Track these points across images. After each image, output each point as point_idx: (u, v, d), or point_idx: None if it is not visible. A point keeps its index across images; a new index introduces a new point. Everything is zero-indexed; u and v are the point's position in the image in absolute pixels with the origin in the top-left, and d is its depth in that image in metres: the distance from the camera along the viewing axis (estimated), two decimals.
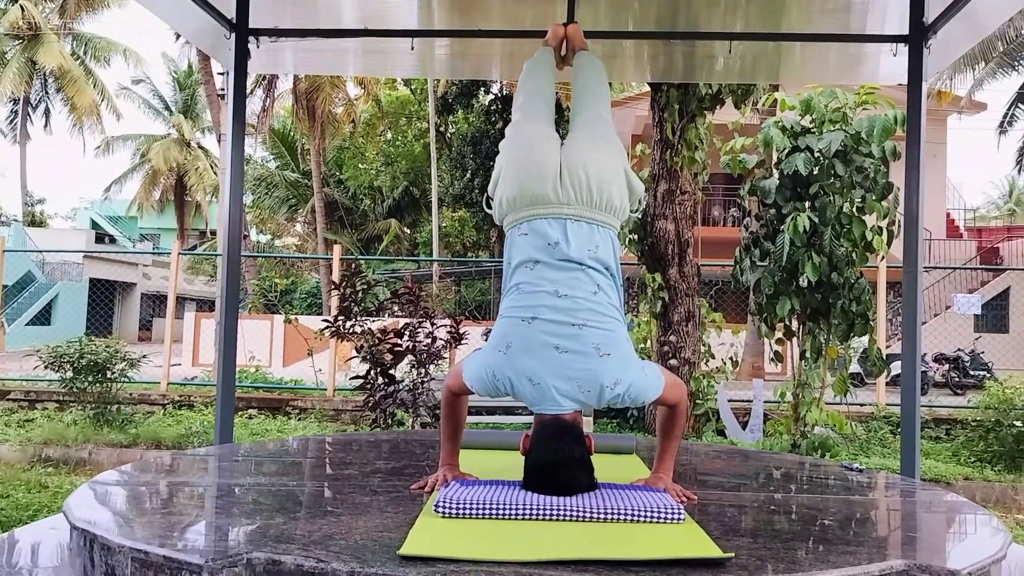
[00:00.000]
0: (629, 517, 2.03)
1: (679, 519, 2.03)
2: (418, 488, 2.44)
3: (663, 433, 2.48)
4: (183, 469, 2.81)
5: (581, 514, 2.03)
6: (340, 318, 6.10)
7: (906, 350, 3.96)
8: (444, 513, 2.05)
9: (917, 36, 4.13)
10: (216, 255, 14.18)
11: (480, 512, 2.04)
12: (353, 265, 6.61)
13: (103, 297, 26.25)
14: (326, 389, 10.41)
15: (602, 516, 2.02)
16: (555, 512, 2.04)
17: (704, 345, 8.24)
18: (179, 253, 11.70)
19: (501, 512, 2.04)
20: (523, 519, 2.03)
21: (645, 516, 2.03)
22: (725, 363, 8.27)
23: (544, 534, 1.91)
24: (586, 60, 2.99)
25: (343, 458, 3.14)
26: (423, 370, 6.01)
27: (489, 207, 2.57)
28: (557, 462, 2.18)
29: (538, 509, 2.05)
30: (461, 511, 2.05)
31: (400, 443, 3.50)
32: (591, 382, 2.20)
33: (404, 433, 4.11)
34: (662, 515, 2.03)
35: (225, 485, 2.53)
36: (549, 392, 2.20)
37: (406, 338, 6.00)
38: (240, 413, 9.31)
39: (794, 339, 6.27)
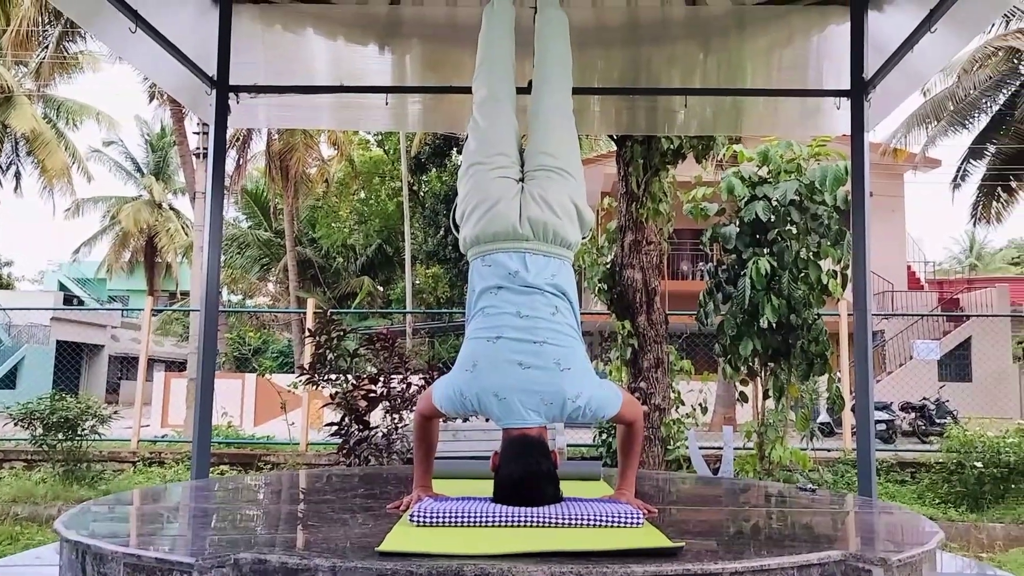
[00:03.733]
0: (591, 523, 2.17)
1: (638, 524, 2.18)
2: (393, 508, 2.56)
3: (622, 451, 2.63)
4: (166, 497, 2.90)
5: (547, 520, 2.17)
6: (315, 366, 6.20)
7: (859, 373, 4.15)
8: (418, 522, 2.18)
9: (858, 90, 4.41)
10: (191, 310, 14.19)
11: (452, 521, 2.18)
12: (328, 314, 6.73)
13: (70, 360, 25.94)
14: (298, 444, 10.41)
15: (566, 522, 2.16)
16: (523, 520, 2.18)
17: (674, 392, 8.40)
18: (152, 310, 11.72)
19: (472, 520, 2.18)
20: (493, 526, 2.17)
21: (606, 521, 2.17)
22: (695, 409, 8.43)
23: (512, 535, 2.05)
24: (552, 19, 3.03)
25: (321, 487, 3.24)
26: (397, 416, 6.10)
27: (457, 231, 2.75)
28: (525, 475, 2.32)
29: (506, 518, 2.18)
30: (434, 520, 2.18)
31: (376, 475, 3.61)
32: (554, 395, 2.37)
33: (380, 467, 4.22)
34: (622, 520, 2.17)
35: (207, 508, 2.63)
36: (515, 406, 2.36)
37: (380, 384, 6.11)
38: (212, 469, 9.28)
39: (757, 380, 6.47)
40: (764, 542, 2.10)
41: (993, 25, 17.08)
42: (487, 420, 2.58)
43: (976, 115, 17.53)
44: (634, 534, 2.07)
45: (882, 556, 1.87)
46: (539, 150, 2.74)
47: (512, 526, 2.16)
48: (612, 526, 2.16)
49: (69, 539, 2.06)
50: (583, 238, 2.74)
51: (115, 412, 9.30)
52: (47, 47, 19.30)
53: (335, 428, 6.15)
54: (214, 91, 4.61)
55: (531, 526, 2.16)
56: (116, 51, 5.65)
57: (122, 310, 36.80)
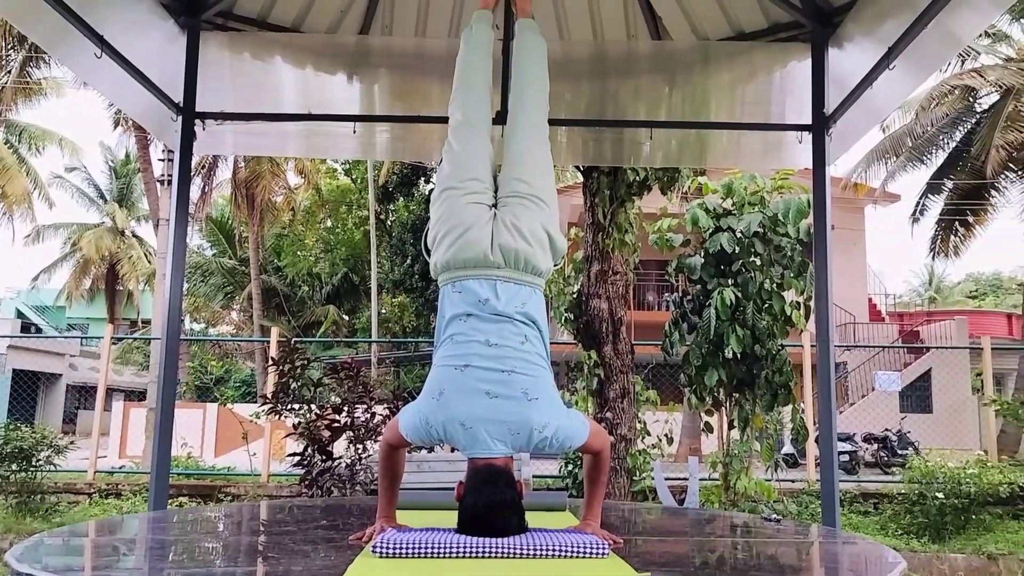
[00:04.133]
0: (557, 553, 2.15)
1: (603, 555, 2.16)
2: (356, 539, 2.51)
3: (589, 481, 2.62)
4: (122, 529, 2.83)
5: (511, 551, 2.14)
6: (278, 395, 6.12)
7: (822, 402, 4.20)
8: (381, 553, 2.14)
9: (819, 125, 4.50)
10: (152, 338, 13.95)
11: (416, 552, 2.15)
12: (292, 342, 6.66)
13: (26, 389, 25.34)
14: (260, 475, 10.23)
15: (531, 552, 2.14)
16: (487, 551, 2.15)
17: (640, 422, 8.42)
18: (112, 338, 11.52)
19: (436, 552, 2.15)
20: (457, 557, 2.14)
21: (572, 552, 2.15)
22: (660, 440, 8.44)
23: (476, 567, 2.02)
24: (529, 42, 3.03)
25: (282, 518, 3.18)
26: (361, 447, 6.03)
27: (428, 255, 2.74)
28: (489, 505, 2.30)
29: (471, 549, 2.16)
30: (397, 551, 2.15)
31: (338, 507, 3.55)
32: (521, 425, 2.35)
33: (342, 498, 4.15)
34: (587, 551, 2.16)
35: (164, 540, 2.57)
36: (481, 436, 2.34)
37: (344, 414, 6.04)
38: (170, 501, 9.08)
39: (723, 410, 6.51)
40: (729, 573, 2.09)
41: (949, 64, 17.59)
42: (452, 451, 2.57)
43: (934, 151, 17.96)
44: (599, 565, 2.06)
45: None
46: (513, 176, 2.74)
47: (476, 557, 2.14)
48: (577, 557, 2.14)
49: (21, 572, 2.00)
50: (555, 265, 2.73)
51: (71, 442, 9.08)
52: (10, 72, 19.06)
53: (297, 459, 6.06)
54: (180, 117, 4.58)
55: (496, 557, 2.14)
56: (81, 76, 5.60)
57: (81, 338, 36.11)
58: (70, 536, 2.73)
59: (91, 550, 2.41)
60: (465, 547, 2.16)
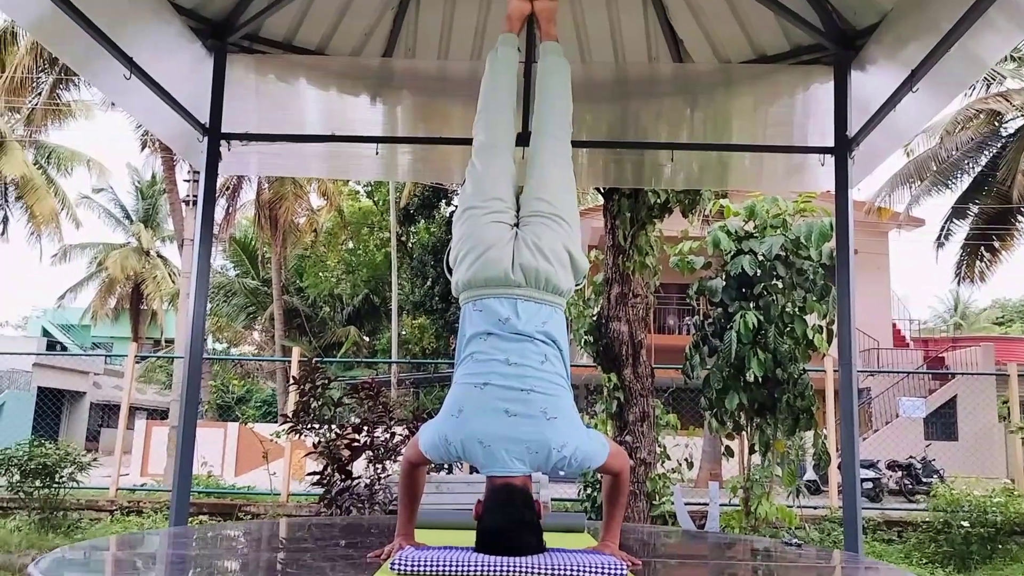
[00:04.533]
0: (573, 573, 2.13)
1: (621, 574, 2.15)
2: (374, 556, 2.51)
3: (608, 501, 2.61)
4: (143, 544, 2.85)
5: (529, 570, 2.13)
6: (299, 414, 6.14)
7: (844, 425, 4.15)
8: (399, 570, 2.14)
9: (842, 147, 4.49)
10: (175, 357, 14.06)
11: (433, 569, 2.14)
12: (313, 361, 6.69)
13: (51, 406, 25.58)
14: (279, 494, 10.24)
15: (548, 572, 2.13)
16: (504, 569, 2.14)
17: (660, 446, 8.36)
18: (135, 356, 11.62)
19: (453, 569, 2.14)
20: (474, 575, 2.13)
21: (588, 572, 2.14)
22: (680, 464, 8.37)
23: None
24: (553, 64, 3.06)
25: (301, 536, 3.19)
26: (380, 466, 6.03)
27: (450, 273, 2.75)
28: (507, 525, 2.29)
29: (488, 567, 2.15)
30: (415, 568, 2.14)
31: (357, 525, 3.55)
32: (539, 444, 2.35)
33: (361, 517, 4.15)
34: (604, 571, 2.14)
35: (184, 555, 2.58)
36: (499, 454, 2.33)
37: (364, 434, 6.05)
38: (190, 519, 9.11)
39: (743, 434, 6.45)
40: None
41: (974, 88, 17.52)
42: (472, 472, 2.57)
43: (959, 175, 17.82)
44: None
45: None
46: (535, 196, 2.75)
47: (493, 575, 2.13)
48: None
49: None
50: (577, 286, 2.73)
51: (94, 460, 9.15)
52: (40, 94, 19.43)
53: (317, 477, 6.06)
54: (206, 138, 4.64)
55: (513, 575, 2.12)
56: (111, 97, 5.71)
57: (105, 356, 36.47)
58: (92, 551, 2.75)
59: (112, 564, 2.42)
60: (483, 566, 2.15)
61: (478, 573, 2.14)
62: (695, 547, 3.27)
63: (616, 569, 2.15)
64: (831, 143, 4.56)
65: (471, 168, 2.84)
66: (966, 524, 8.34)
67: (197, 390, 4.51)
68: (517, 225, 2.69)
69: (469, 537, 2.39)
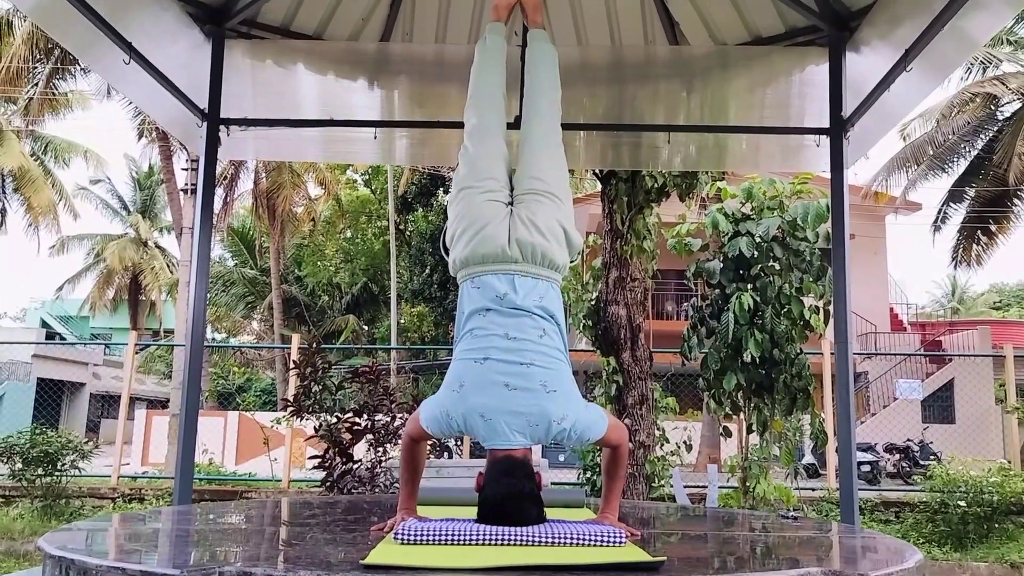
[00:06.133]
0: (574, 542, 2.18)
1: (621, 543, 2.19)
2: (377, 530, 2.56)
3: (607, 474, 2.65)
4: (148, 521, 2.89)
5: (530, 539, 2.18)
6: (299, 398, 6.19)
7: (840, 401, 4.20)
8: (403, 540, 2.18)
9: (837, 128, 4.52)
10: (176, 345, 14.09)
11: (437, 539, 2.19)
12: (312, 344, 6.73)
13: (51, 397, 25.63)
14: (280, 480, 10.31)
15: (549, 541, 2.18)
16: (507, 539, 2.19)
17: (659, 429, 8.41)
18: (136, 345, 11.65)
19: (457, 539, 2.19)
20: (477, 544, 2.18)
21: (589, 541, 2.19)
22: (679, 446, 8.43)
23: (496, 553, 2.06)
24: (540, 52, 3.13)
25: (303, 512, 3.24)
26: (381, 449, 6.08)
27: (447, 253, 2.79)
28: (508, 495, 2.33)
29: (490, 536, 2.20)
30: (419, 539, 2.19)
31: (359, 504, 3.60)
32: (540, 416, 2.39)
33: (362, 496, 4.20)
34: (605, 540, 2.19)
35: (189, 529, 2.63)
36: (500, 427, 2.38)
37: (365, 418, 6.10)
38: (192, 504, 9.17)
39: (741, 415, 6.50)
40: (746, 560, 2.12)
41: (971, 72, 17.54)
42: (472, 455, 2.60)
43: (955, 159, 17.85)
44: (616, 552, 2.09)
45: (861, 574, 1.89)
46: (528, 175, 2.80)
47: (496, 545, 2.18)
48: (595, 545, 2.17)
49: (53, 555, 2.06)
50: (571, 261, 2.78)
51: (95, 448, 9.21)
52: (37, 84, 19.38)
53: (318, 460, 6.12)
54: (204, 123, 4.66)
55: (515, 545, 2.17)
56: (111, 82, 5.73)
57: (105, 344, 36.51)
58: (99, 525, 2.79)
59: (119, 536, 2.47)
60: (485, 535, 2.20)
61: (480, 542, 2.18)
62: (692, 521, 3.32)
63: (615, 538, 2.20)
64: (827, 124, 4.59)
65: (463, 151, 2.89)
66: (963, 504, 8.41)
67: (199, 374, 4.54)
68: (511, 204, 2.74)
69: (471, 513, 2.43)
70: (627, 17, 5.04)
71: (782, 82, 5.01)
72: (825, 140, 4.66)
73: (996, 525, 8.40)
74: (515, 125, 3.17)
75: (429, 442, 2.69)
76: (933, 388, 18.65)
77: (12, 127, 29.05)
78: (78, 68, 18.70)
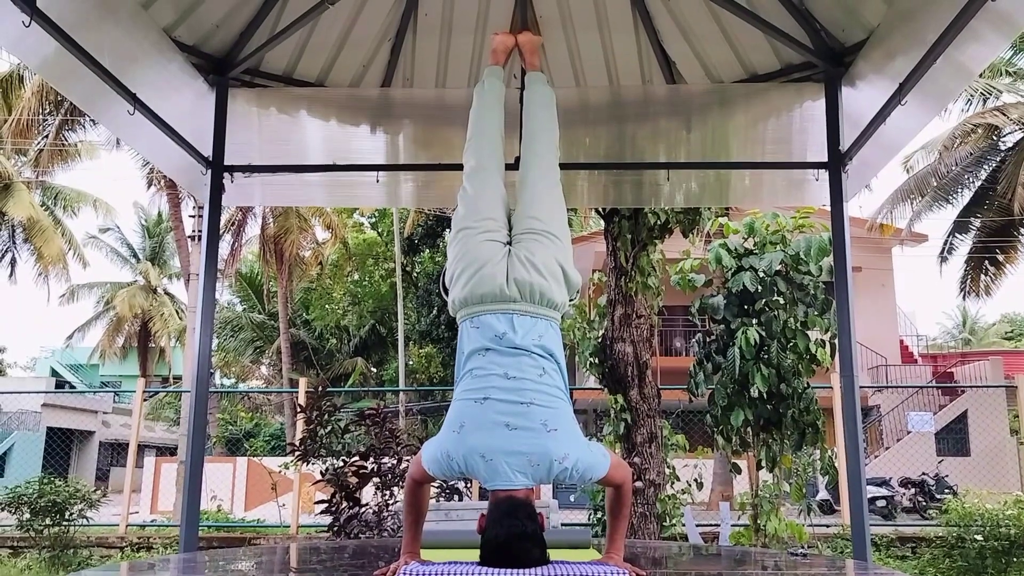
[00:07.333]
0: None
1: None
2: (380, 575, 2.54)
3: (611, 514, 2.63)
4: (155, 570, 2.87)
5: None
6: (306, 442, 6.17)
7: (848, 433, 4.16)
8: None
9: (835, 162, 4.54)
10: (183, 391, 14.10)
11: None
12: (319, 389, 6.72)
13: (60, 446, 25.59)
14: (289, 527, 10.24)
15: None
16: None
17: (669, 467, 8.34)
18: (144, 391, 11.66)
19: None
20: None
21: None
22: (690, 484, 8.35)
23: None
24: (538, 94, 3.18)
25: (310, 558, 3.21)
26: (388, 492, 6.04)
27: (446, 294, 2.81)
28: (511, 537, 2.31)
29: None
30: None
31: (364, 548, 3.57)
32: (541, 456, 2.38)
33: (368, 540, 4.16)
34: None
35: None
36: (501, 467, 2.36)
37: (371, 461, 6.07)
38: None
39: (750, 451, 6.45)
40: None
41: (971, 103, 17.64)
42: (480, 499, 2.59)
43: (959, 190, 17.86)
44: None
45: None
46: (526, 214, 2.82)
47: None
48: None
49: None
50: (571, 300, 2.79)
51: (104, 496, 9.17)
52: (47, 136, 19.66)
53: (325, 505, 6.08)
54: (209, 171, 4.72)
55: None
56: (116, 133, 5.81)
57: (114, 392, 36.50)
58: (107, 572, 2.78)
59: None
60: None
61: None
62: (704, 561, 3.28)
63: None
64: (825, 158, 4.61)
65: (462, 192, 2.93)
66: (980, 538, 8.28)
67: (204, 419, 4.54)
68: (510, 244, 2.76)
69: (474, 556, 2.41)
70: (624, 58, 5.10)
71: (781, 118, 5.05)
72: (824, 174, 4.68)
73: (1015, 559, 8.25)
74: (514, 166, 3.21)
75: (434, 484, 2.67)
76: (946, 420, 18.47)
77: (23, 178, 29.39)
78: (87, 119, 18.98)
